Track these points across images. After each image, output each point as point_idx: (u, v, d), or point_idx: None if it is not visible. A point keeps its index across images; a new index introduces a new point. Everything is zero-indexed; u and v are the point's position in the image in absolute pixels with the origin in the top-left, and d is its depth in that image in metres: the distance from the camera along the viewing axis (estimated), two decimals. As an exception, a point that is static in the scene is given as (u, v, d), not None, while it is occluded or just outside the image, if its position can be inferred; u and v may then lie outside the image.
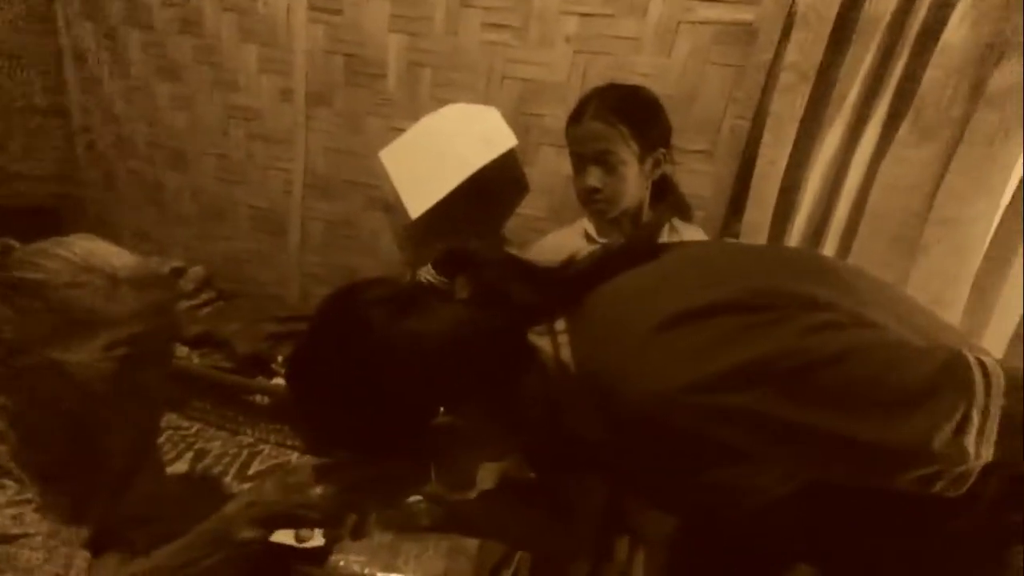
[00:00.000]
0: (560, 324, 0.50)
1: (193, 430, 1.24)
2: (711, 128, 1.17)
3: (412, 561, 0.91)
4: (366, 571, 0.88)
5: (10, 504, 0.55)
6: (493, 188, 1.24)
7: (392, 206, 1.41)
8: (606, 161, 0.97)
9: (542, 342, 0.51)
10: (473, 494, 0.66)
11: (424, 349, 0.49)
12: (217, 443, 1.20)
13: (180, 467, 1.12)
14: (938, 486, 0.39)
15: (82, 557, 0.57)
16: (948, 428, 0.37)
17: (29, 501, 0.56)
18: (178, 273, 1.58)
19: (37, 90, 1.85)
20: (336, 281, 1.57)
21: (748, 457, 0.45)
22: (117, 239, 1.86)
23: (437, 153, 1.24)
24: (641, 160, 0.98)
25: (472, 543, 0.96)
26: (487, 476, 0.99)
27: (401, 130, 1.33)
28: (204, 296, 1.62)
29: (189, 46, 1.59)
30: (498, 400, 0.51)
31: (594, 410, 0.48)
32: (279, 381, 1.21)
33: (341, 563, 0.89)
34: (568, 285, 0.52)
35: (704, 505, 0.56)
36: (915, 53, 0.97)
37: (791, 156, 1.06)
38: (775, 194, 1.08)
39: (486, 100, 1.27)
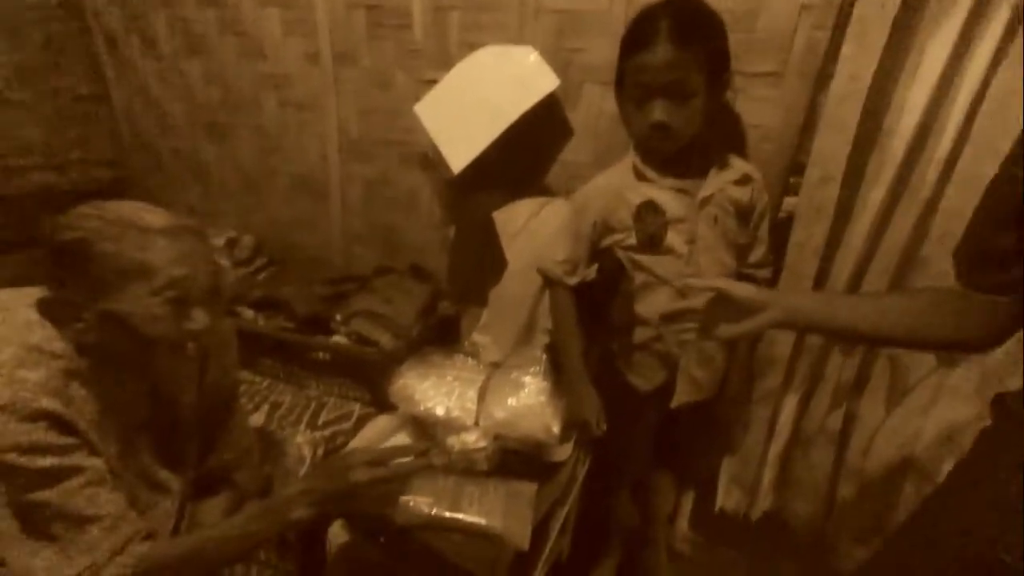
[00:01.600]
0: None
1: (264, 384, 1.33)
2: (780, 45, 1.00)
3: (475, 503, 0.96)
4: (434, 511, 0.94)
5: (88, 484, 0.61)
6: (534, 134, 1.21)
7: (431, 161, 1.40)
8: (679, 92, 0.87)
9: None
10: None
11: None
12: (288, 396, 1.29)
13: (258, 418, 1.21)
14: None
15: (141, 535, 0.64)
16: None
17: (104, 481, 0.62)
18: (232, 243, 1.65)
19: (79, 78, 1.91)
20: (378, 242, 1.63)
21: None
22: None
23: (473, 103, 1.21)
24: (710, 88, 0.90)
25: (529, 488, 1.01)
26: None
27: (432, 82, 1.30)
28: (257, 263, 1.69)
29: (213, 18, 1.59)
30: None
31: None
32: (338, 339, 1.26)
33: (411, 503, 0.95)
34: None
35: None
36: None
37: (879, 70, 0.90)
38: (856, 117, 0.94)
39: (520, 39, 1.21)
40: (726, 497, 1.34)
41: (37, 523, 0.59)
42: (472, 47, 1.24)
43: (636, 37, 0.89)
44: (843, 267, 1.05)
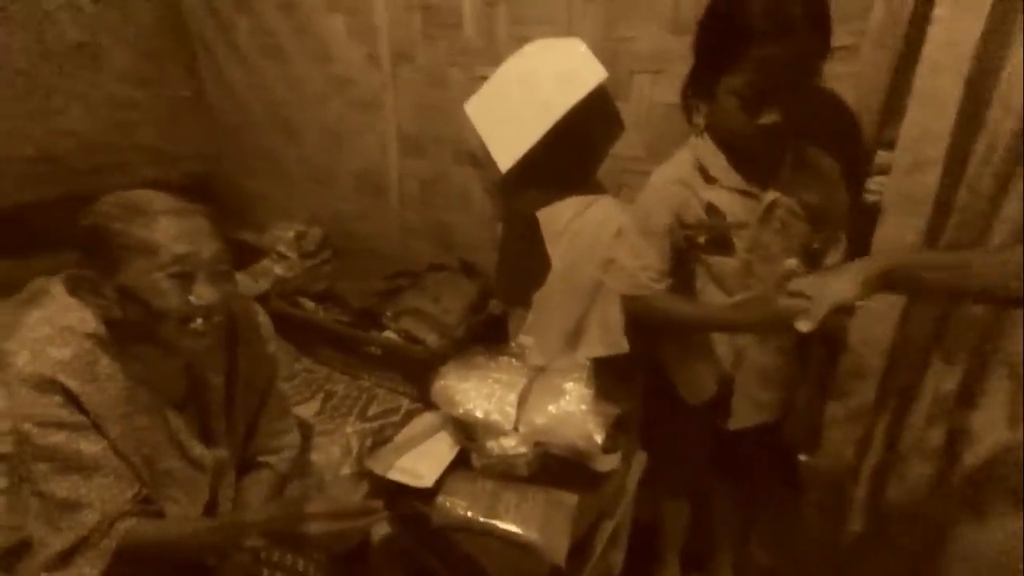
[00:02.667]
0: None
1: (323, 374, 1.40)
2: (856, 13, 0.88)
3: (512, 510, 0.95)
4: (469, 514, 0.94)
5: (85, 468, 0.67)
6: (584, 129, 1.16)
7: (481, 160, 1.39)
8: (799, 87, 0.75)
9: None
10: None
11: None
12: (342, 386, 1.35)
13: (314, 405, 1.28)
14: None
15: (129, 515, 0.70)
16: None
17: (100, 467, 0.68)
18: (300, 236, 1.76)
19: (182, 82, 2.10)
20: (433, 237, 1.65)
21: None
22: (252, 208, 2.08)
23: (521, 100, 1.17)
24: None
25: (570, 499, 0.98)
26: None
27: (483, 79, 1.28)
28: (323, 255, 1.79)
29: (287, 25, 1.68)
30: None
31: None
32: (388, 334, 1.30)
33: (447, 504, 0.96)
34: None
35: None
36: None
37: (985, 32, 0.76)
38: (959, 88, 0.78)
39: (568, 31, 1.16)
40: (808, 524, 1.22)
41: (36, 494, 0.67)
42: (521, 41, 1.20)
43: (759, 25, 0.72)
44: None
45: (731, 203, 0.88)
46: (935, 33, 0.78)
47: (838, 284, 0.66)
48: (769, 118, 0.77)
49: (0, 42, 1.53)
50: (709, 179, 0.90)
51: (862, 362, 0.97)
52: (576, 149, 1.22)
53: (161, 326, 0.68)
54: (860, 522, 1.12)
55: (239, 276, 1.62)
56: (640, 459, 1.14)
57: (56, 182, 1.77)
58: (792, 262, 0.73)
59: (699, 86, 0.86)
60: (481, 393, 1.03)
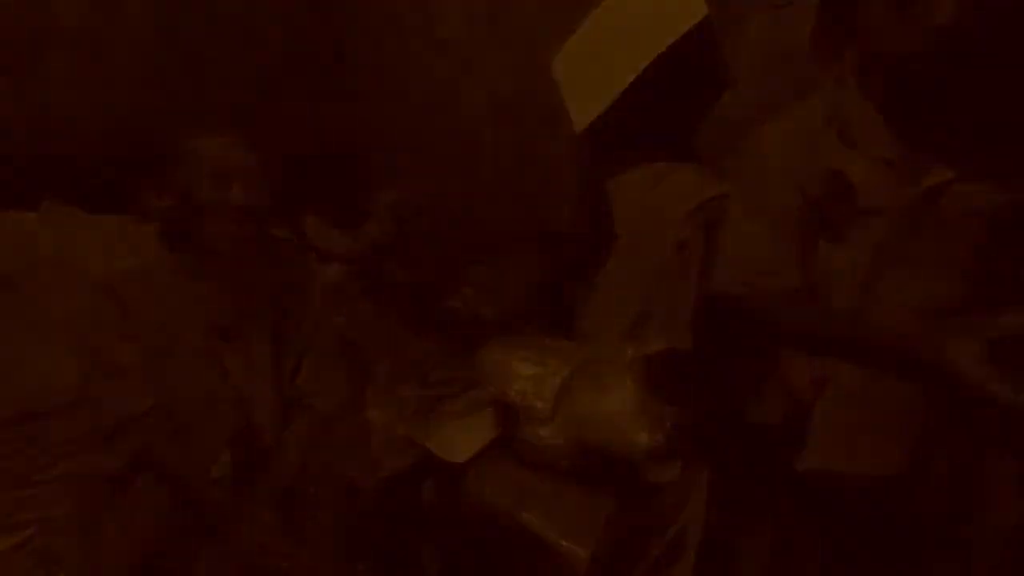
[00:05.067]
0: None
1: (399, 335, 1.44)
2: None
3: (541, 505, 0.90)
4: (496, 500, 0.93)
5: (118, 370, 0.81)
6: (682, 85, 0.98)
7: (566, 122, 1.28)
8: None
9: None
10: None
11: None
12: (411, 349, 1.37)
13: (385, 365, 1.31)
14: None
15: (141, 432, 0.81)
16: None
17: (127, 375, 0.81)
18: (399, 201, 1.83)
19: (328, 57, 2.29)
20: (525, 204, 1.59)
21: None
22: (377, 174, 2.16)
23: (607, 49, 1.04)
24: None
25: (606, 503, 0.90)
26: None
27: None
28: (420, 221, 1.84)
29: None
30: None
31: None
32: (453, 303, 1.30)
33: (476, 486, 0.94)
34: None
35: None
36: None
37: None
38: None
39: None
40: None
41: None
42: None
43: None
44: None
45: (869, 177, 0.64)
46: None
47: None
48: (938, 17, 0.53)
49: (177, 19, 1.78)
50: (847, 140, 0.65)
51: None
52: (670, 109, 1.05)
53: (206, 220, 0.81)
54: None
55: (346, 238, 1.77)
56: (705, 474, 0.98)
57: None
58: None
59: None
60: (522, 374, 0.97)
